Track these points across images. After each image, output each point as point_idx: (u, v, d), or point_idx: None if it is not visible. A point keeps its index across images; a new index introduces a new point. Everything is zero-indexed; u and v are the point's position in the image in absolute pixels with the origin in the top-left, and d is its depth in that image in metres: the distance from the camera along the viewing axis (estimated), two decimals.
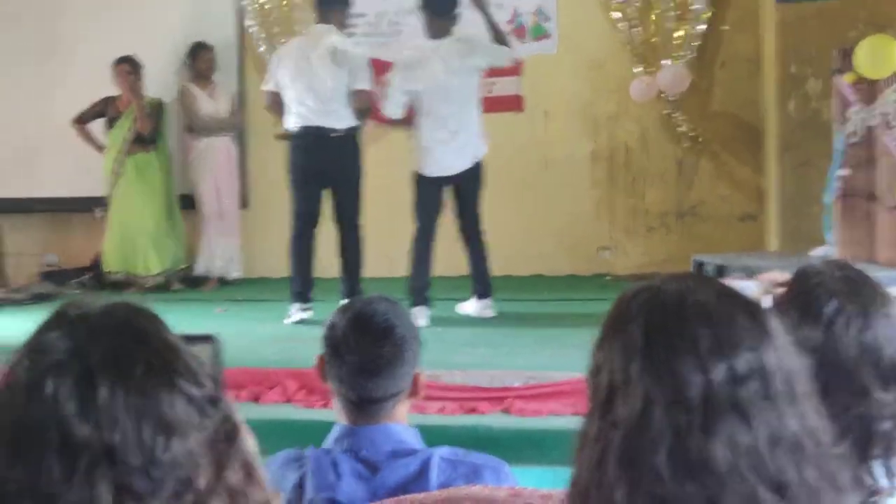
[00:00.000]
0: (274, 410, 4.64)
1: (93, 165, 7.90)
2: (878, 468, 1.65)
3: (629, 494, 1.09)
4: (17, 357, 1.06)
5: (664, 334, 1.12)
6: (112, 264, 7.81)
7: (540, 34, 8.15)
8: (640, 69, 7.81)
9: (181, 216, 8.04)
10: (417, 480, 2.05)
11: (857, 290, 1.75)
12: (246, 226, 8.28)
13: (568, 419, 4.24)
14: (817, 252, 5.48)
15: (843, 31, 6.23)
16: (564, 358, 4.95)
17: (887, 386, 1.70)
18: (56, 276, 8.22)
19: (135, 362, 1.04)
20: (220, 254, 8.03)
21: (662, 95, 7.80)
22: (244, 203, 8.42)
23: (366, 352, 2.11)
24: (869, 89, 5.24)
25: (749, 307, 1.16)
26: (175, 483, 1.02)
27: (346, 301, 2.27)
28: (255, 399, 4.72)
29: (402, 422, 2.18)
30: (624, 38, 7.89)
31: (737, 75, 7.82)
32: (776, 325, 1.16)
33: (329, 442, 2.15)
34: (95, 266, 8.10)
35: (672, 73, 7.64)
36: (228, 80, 8.31)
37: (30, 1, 8.39)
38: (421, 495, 1.82)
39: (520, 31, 8.14)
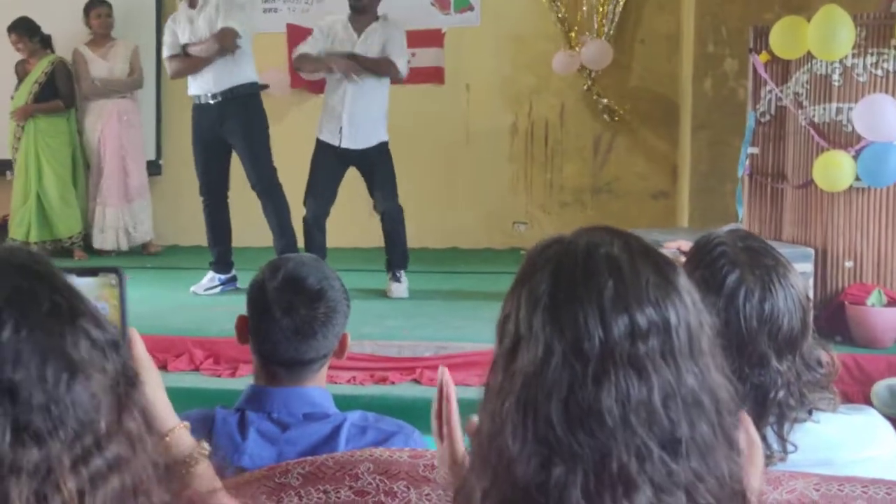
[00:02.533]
0: (181, 378, 4.59)
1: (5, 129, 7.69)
2: (770, 435, 1.68)
3: (522, 443, 1.09)
4: None
5: (569, 284, 1.12)
6: (18, 231, 7.57)
7: (463, 6, 8.11)
8: (563, 43, 7.83)
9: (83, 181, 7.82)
10: (327, 444, 2.02)
11: (758, 261, 1.78)
12: (159, 192, 8.12)
13: (477, 390, 4.25)
14: (726, 228, 5.55)
15: (759, 12, 6.32)
16: (475, 330, 4.97)
17: (783, 356, 1.73)
18: None
19: (39, 301, 1.04)
20: (114, 225, 7.78)
21: (583, 70, 7.83)
22: (158, 169, 8.25)
23: (300, 314, 2.06)
24: (782, 69, 5.32)
25: (659, 263, 1.15)
26: (76, 424, 1.01)
27: (271, 261, 2.19)
28: (163, 367, 4.66)
29: (323, 383, 2.15)
30: (546, 12, 7.89)
31: (656, 53, 7.88)
32: (685, 282, 1.15)
33: (240, 402, 2.09)
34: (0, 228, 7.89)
35: (596, 48, 7.67)
36: (147, 40, 8.11)
37: None
38: (323, 456, 1.80)
39: (443, 3, 8.09)
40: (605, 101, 7.88)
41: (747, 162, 5.41)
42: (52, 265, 1.11)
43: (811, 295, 4.75)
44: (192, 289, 6.25)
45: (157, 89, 8.32)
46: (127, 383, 1.08)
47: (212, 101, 6.17)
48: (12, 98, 7.61)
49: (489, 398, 1.15)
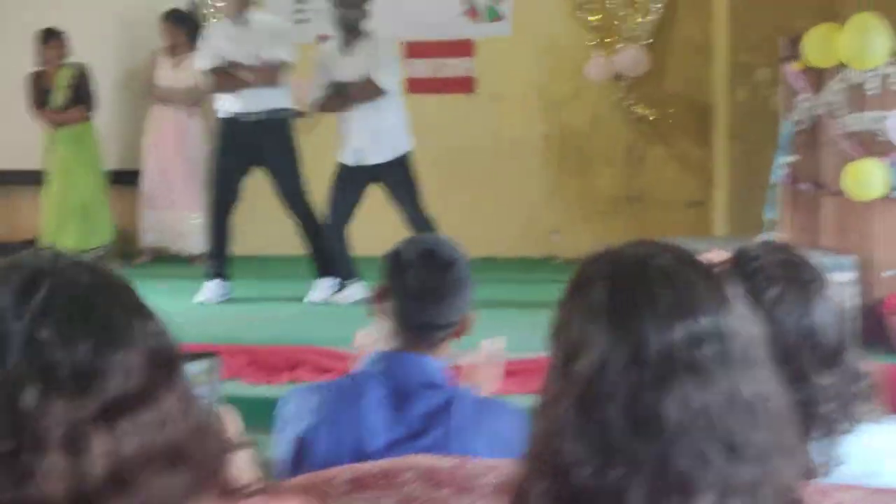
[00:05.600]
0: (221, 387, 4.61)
1: (40, 139, 7.76)
2: (815, 449, 1.68)
3: (580, 446, 1.11)
4: None
5: (626, 294, 1.15)
6: (61, 240, 7.63)
7: (494, 17, 8.13)
8: (596, 52, 7.84)
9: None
10: (439, 414, 2.10)
11: (796, 275, 1.77)
12: None
13: (520, 397, 4.25)
14: (762, 238, 5.54)
15: (791, 20, 6.29)
16: (513, 340, 4.95)
17: (825, 370, 1.72)
18: None
19: (80, 271, 1.11)
20: (158, 228, 7.88)
21: (617, 78, 7.82)
22: None
23: (436, 277, 2.21)
24: (816, 78, 5.30)
25: (709, 274, 1.19)
26: (107, 389, 1.06)
27: (407, 237, 2.37)
28: None
29: (443, 360, 2.25)
30: (578, 21, 7.90)
31: (689, 62, 7.86)
32: (735, 292, 1.19)
33: (362, 367, 2.21)
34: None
35: (631, 55, 7.68)
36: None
37: None
38: (368, 464, 1.82)
39: (472, 13, 8.12)
40: (639, 110, 7.88)
41: (785, 170, 5.40)
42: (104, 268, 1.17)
43: (850, 305, 4.72)
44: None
45: None
46: (166, 364, 1.13)
47: (252, 120, 6.25)
48: (44, 107, 7.66)
49: (546, 403, 1.18)
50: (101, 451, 1.05)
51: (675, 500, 1.09)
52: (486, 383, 2.71)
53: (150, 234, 7.96)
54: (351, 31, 6.21)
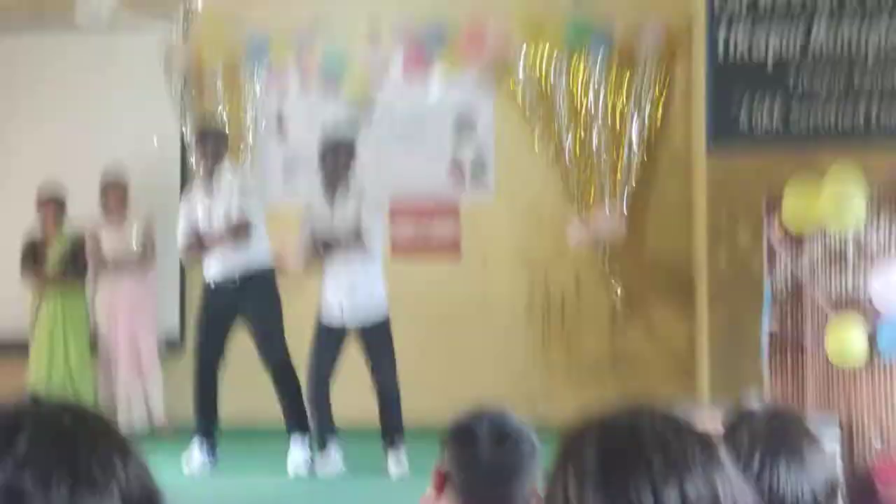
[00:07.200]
0: None
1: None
2: None
3: None
4: None
5: (619, 458, 1.16)
6: None
7: (477, 179, 8.22)
8: (576, 215, 7.89)
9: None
10: None
11: (787, 442, 1.79)
12: (182, 370, 8.05)
13: None
14: (755, 403, 5.47)
15: (775, 181, 6.34)
16: None
17: None
18: None
19: (62, 416, 1.11)
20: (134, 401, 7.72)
21: (596, 246, 7.87)
22: (181, 348, 8.25)
23: (507, 452, 2.15)
24: (797, 239, 5.33)
25: (701, 437, 1.19)
26: None
27: (469, 410, 2.29)
28: None
29: None
30: (560, 184, 7.98)
31: (668, 223, 7.92)
32: (726, 456, 1.20)
33: None
34: None
35: (608, 222, 7.73)
36: (171, 216, 8.23)
37: None
38: None
39: (457, 174, 8.20)
40: (619, 288, 7.91)
41: (766, 339, 5.37)
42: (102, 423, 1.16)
43: (838, 473, 4.62)
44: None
45: (181, 266, 8.27)
46: None
47: (230, 285, 6.35)
48: (37, 270, 7.65)
49: None
50: None
51: None
52: None
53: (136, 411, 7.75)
54: (336, 186, 6.33)
